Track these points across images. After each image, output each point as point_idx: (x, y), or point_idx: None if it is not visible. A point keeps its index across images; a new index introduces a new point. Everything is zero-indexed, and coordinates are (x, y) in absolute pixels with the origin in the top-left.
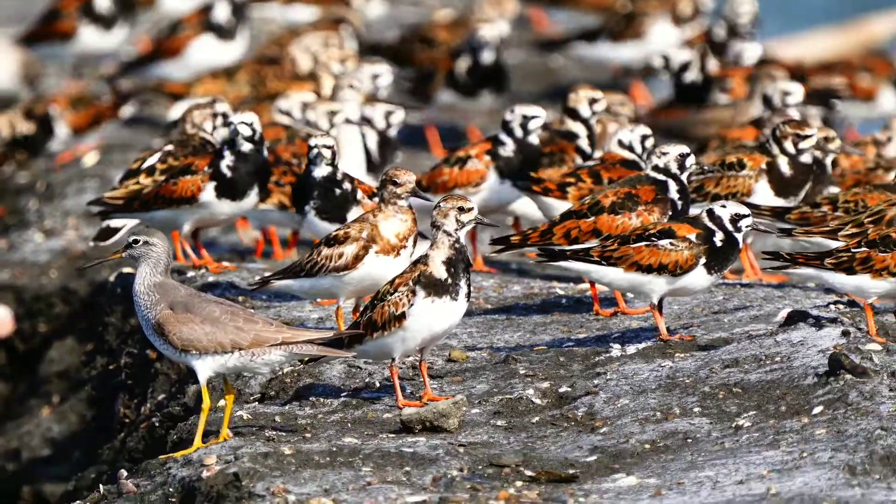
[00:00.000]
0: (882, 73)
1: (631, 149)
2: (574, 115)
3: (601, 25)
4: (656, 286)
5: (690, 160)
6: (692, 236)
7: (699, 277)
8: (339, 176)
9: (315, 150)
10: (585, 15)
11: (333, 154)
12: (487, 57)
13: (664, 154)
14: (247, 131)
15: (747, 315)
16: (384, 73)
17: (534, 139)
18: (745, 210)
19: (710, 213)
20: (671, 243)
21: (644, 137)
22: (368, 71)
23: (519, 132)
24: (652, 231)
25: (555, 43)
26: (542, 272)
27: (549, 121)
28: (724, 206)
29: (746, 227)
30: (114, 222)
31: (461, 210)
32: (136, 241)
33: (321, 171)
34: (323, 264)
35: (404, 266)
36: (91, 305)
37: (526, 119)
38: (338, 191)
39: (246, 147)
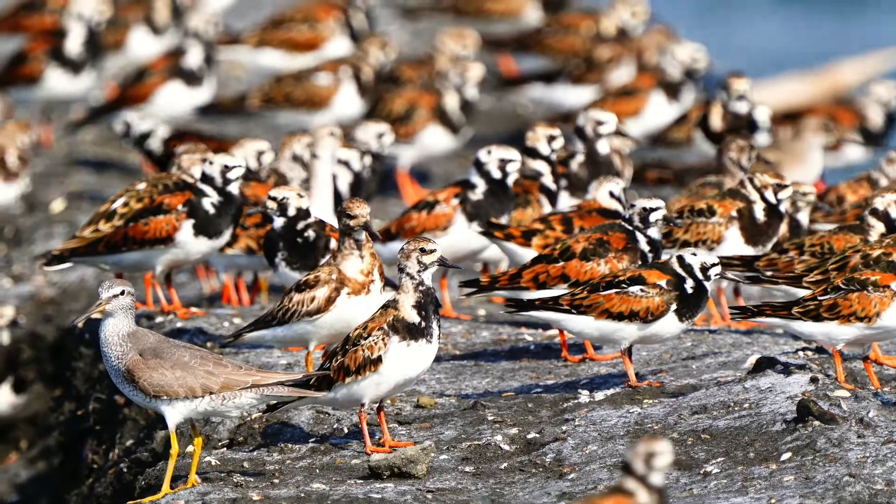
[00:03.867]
0: (847, 123)
1: (620, 201)
2: (534, 154)
3: (560, 67)
4: (627, 333)
5: (655, 215)
6: (662, 283)
7: (670, 324)
8: (300, 225)
9: (273, 203)
10: (553, 60)
11: (285, 206)
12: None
13: (631, 207)
14: (238, 173)
15: (716, 361)
16: (267, 151)
17: (510, 181)
18: (714, 259)
19: (681, 259)
20: (641, 290)
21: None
22: (252, 148)
23: (497, 174)
24: (622, 277)
25: (513, 82)
26: (510, 318)
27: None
28: (694, 255)
29: (715, 275)
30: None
31: (423, 251)
32: (122, 293)
33: (280, 223)
34: (295, 310)
35: (377, 304)
36: (59, 350)
37: (504, 162)
38: (300, 240)
39: (235, 187)
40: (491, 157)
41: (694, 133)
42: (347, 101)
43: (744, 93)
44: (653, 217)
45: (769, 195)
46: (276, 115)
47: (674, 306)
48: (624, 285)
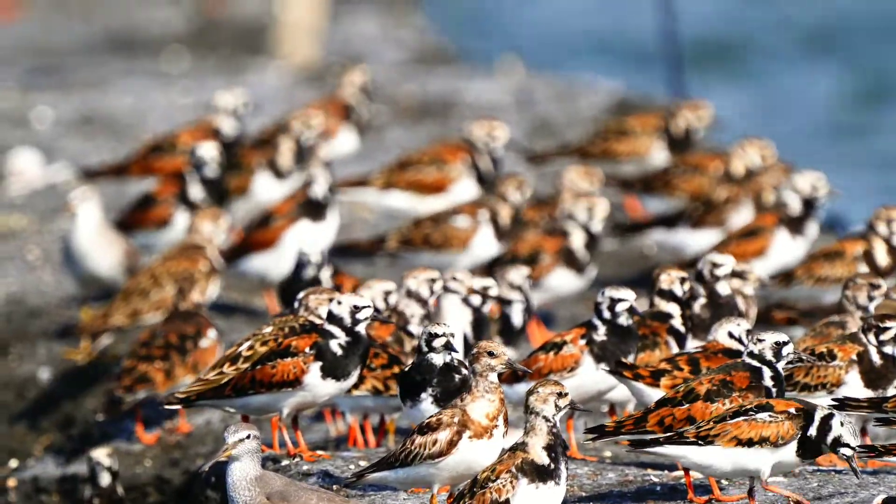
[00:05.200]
0: None
1: (740, 341)
2: (668, 295)
3: (681, 211)
4: (759, 460)
5: (787, 349)
6: (791, 410)
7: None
8: (456, 362)
9: (435, 338)
10: (680, 201)
11: (450, 342)
12: None
13: (760, 341)
14: (367, 313)
15: (842, 502)
16: (395, 291)
17: (623, 321)
18: (847, 435)
19: (824, 422)
20: (770, 415)
21: (749, 332)
22: (379, 288)
23: (607, 314)
24: (749, 406)
25: (635, 227)
26: (636, 459)
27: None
28: (840, 422)
29: (841, 452)
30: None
31: (559, 395)
32: (248, 437)
33: (441, 359)
34: (417, 452)
35: (498, 448)
36: (185, 494)
37: (613, 301)
38: (457, 377)
39: (363, 328)
40: (604, 297)
41: (858, 269)
42: (485, 244)
43: None
44: (785, 351)
45: (871, 338)
46: (414, 256)
47: (800, 434)
48: (752, 412)
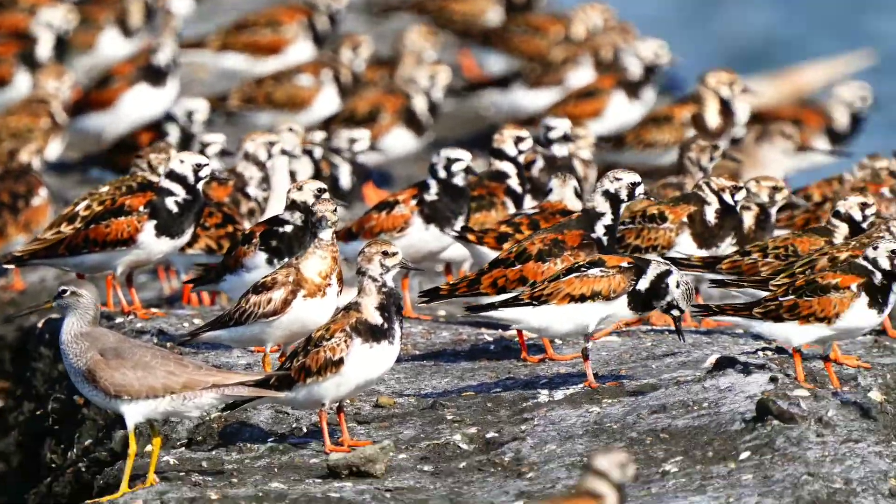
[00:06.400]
0: (814, 124)
1: (580, 198)
2: (501, 155)
3: (516, 71)
4: (591, 315)
5: (639, 189)
6: (623, 264)
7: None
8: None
9: (455, 163)
10: (518, 60)
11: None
12: None
13: (617, 179)
14: (207, 171)
15: (675, 361)
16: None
17: (458, 181)
18: (683, 304)
19: (660, 279)
20: (602, 271)
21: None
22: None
23: (443, 174)
24: (581, 263)
25: (471, 87)
26: (470, 318)
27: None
28: (677, 282)
29: (673, 311)
30: None
31: (385, 254)
32: (64, 291)
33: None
34: (252, 311)
35: (332, 307)
36: (19, 351)
37: (450, 161)
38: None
39: (201, 185)
40: (439, 157)
41: (686, 133)
42: (328, 103)
43: (741, 89)
44: (638, 191)
45: (727, 197)
46: (256, 115)
47: (632, 288)
48: (583, 269)
